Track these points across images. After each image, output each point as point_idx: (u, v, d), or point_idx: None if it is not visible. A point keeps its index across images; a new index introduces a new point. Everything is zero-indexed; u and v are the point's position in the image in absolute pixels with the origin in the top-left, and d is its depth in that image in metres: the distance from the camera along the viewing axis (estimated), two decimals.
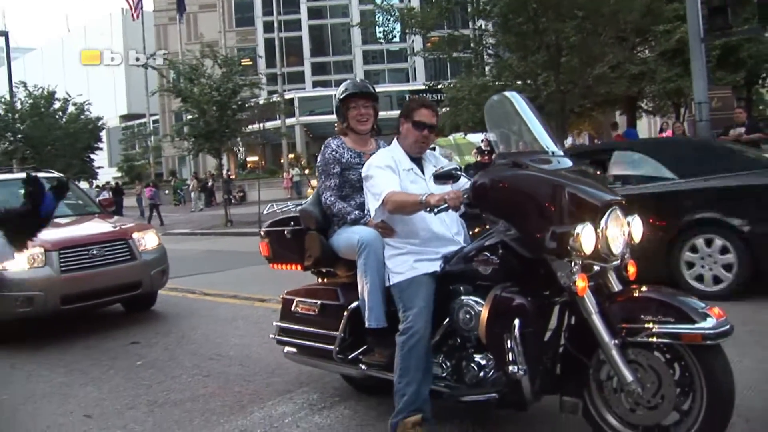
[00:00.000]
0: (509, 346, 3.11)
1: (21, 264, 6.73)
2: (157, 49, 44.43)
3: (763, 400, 3.86)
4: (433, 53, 22.76)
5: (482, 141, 17.49)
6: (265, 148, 53.22)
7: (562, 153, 3.44)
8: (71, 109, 40.45)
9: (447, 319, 3.50)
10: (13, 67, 37.58)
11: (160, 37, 66.26)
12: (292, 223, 4.41)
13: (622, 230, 3.12)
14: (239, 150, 40.26)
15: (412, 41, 37.67)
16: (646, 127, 33.20)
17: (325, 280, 4.42)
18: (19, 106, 37.08)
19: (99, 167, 46.52)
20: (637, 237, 3.23)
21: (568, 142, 21.60)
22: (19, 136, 36.42)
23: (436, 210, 3.26)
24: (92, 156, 43.55)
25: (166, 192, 43.79)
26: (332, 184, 4.05)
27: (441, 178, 3.33)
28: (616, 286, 3.21)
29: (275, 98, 40.67)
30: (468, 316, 3.39)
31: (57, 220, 6.95)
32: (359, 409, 4.24)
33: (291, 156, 47.53)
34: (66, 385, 5.46)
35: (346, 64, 65.08)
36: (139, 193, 32.22)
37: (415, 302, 3.45)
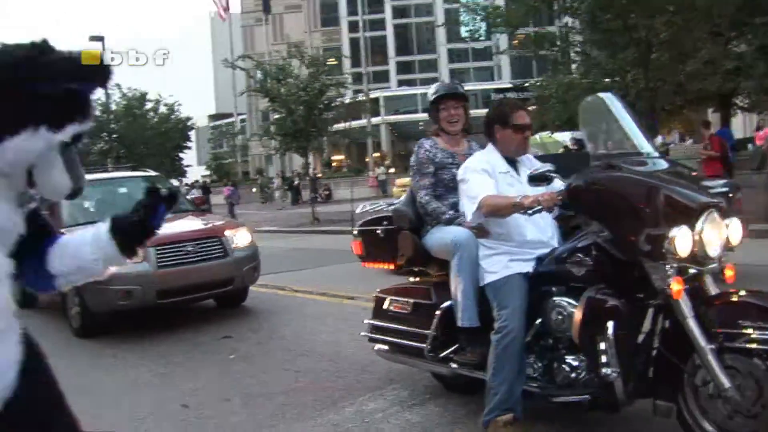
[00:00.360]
0: (602, 348, 3.11)
1: None
2: (244, 51, 45.53)
3: None
4: (519, 51, 22.51)
5: (570, 139, 17.20)
6: (350, 146, 53.69)
7: (657, 154, 3.42)
8: (162, 109, 42.10)
9: (539, 320, 3.51)
10: None
11: (247, 38, 67.88)
12: (384, 222, 4.49)
13: (720, 233, 3.06)
14: (325, 149, 40.80)
15: (498, 39, 37.22)
16: (741, 125, 31.78)
17: (417, 279, 4.49)
18: (113, 107, 38.73)
19: (188, 166, 48.13)
20: (736, 240, 3.16)
21: (658, 140, 20.97)
22: (114, 135, 38.13)
23: (530, 211, 3.28)
24: (181, 155, 45.15)
25: (254, 190, 44.78)
26: (427, 183, 4.13)
27: (535, 179, 3.34)
28: (713, 290, 3.15)
29: (361, 97, 41.11)
30: (560, 317, 3.40)
31: None
32: (449, 407, 4.27)
33: (376, 155, 47.79)
34: (163, 376, 5.72)
35: (431, 63, 64.77)
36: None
37: (510, 301, 3.48)
